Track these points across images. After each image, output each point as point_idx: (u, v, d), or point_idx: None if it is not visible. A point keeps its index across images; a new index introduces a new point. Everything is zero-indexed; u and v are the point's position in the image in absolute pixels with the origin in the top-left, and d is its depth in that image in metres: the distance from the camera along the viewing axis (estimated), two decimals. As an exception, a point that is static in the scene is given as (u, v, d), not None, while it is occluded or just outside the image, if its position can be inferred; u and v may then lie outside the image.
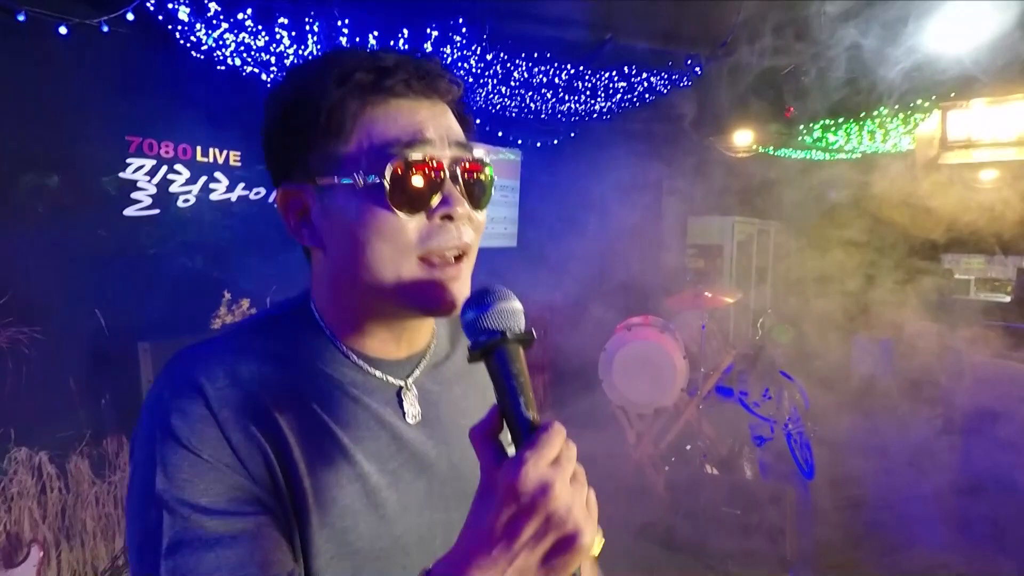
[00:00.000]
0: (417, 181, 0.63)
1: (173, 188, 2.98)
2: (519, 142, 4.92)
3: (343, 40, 2.76)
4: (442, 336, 0.82)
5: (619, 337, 3.89)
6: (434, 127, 0.66)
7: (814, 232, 6.17)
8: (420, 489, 0.71)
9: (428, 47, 2.97)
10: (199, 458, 0.59)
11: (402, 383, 0.73)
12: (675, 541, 3.24)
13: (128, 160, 2.77)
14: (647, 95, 3.90)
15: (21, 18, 2.37)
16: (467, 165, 0.67)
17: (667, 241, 6.51)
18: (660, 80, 3.70)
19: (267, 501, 0.61)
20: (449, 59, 3.21)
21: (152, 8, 2.48)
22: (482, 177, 0.69)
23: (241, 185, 3.29)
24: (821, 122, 5.01)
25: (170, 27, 2.62)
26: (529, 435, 0.53)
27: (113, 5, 2.45)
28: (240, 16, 2.56)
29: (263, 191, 3.37)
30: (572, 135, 5.02)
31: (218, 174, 3.17)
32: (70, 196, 2.61)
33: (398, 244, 0.64)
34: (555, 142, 5.06)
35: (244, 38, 2.73)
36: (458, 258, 0.67)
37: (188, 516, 0.58)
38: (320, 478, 0.64)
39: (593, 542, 0.52)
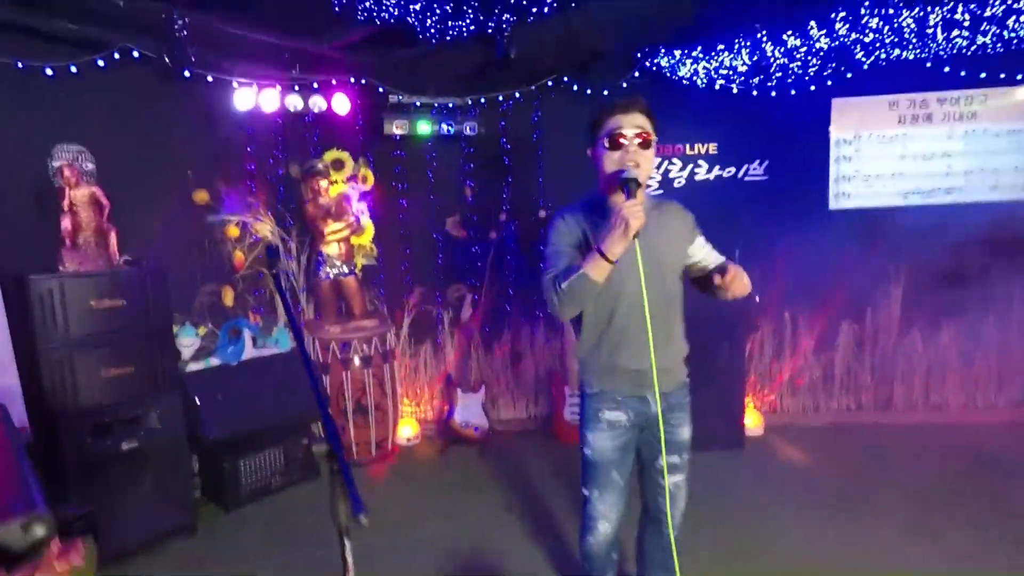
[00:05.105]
0: (615, 141, 1.76)
1: (671, 175, 4.57)
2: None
3: (766, 47, 3.64)
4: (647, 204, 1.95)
5: None
6: (626, 122, 1.76)
7: None
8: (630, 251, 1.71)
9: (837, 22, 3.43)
10: (559, 231, 1.88)
11: None
12: None
13: (642, 159, 4.52)
14: None
15: (576, 88, 4.40)
16: (638, 134, 1.75)
17: None
18: None
19: (578, 247, 1.84)
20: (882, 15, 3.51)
21: (648, 65, 4.10)
22: (648, 138, 1.76)
23: (716, 167, 4.58)
24: None
25: (663, 72, 4.17)
26: (627, 200, 1.64)
27: (628, 67, 4.21)
28: (694, 53, 3.85)
29: (733, 170, 4.55)
30: None
31: (700, 161, 4.57)
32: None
33: (612, 161, 1.77)
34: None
35: (704, 64, 4.00)
36: (632, 166, 1.74)
37: (551, 244, 1.89)
38: (594, 242, 1.76)
39: (636, 231, 1.60)
